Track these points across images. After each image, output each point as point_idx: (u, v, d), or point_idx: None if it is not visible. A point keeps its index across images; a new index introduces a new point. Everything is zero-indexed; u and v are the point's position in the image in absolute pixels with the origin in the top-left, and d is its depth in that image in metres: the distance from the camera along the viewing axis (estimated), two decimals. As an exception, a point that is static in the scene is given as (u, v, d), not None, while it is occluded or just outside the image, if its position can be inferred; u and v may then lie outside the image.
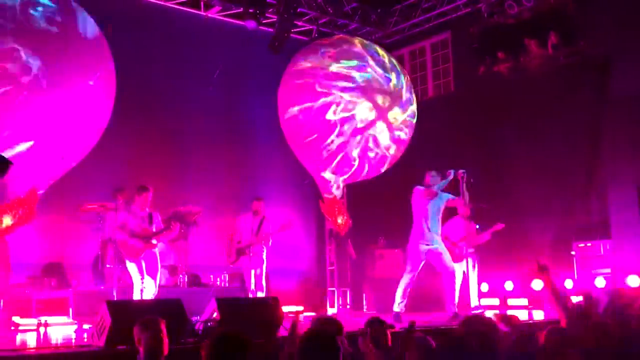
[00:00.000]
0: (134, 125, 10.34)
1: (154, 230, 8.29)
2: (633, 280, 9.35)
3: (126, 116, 9.51)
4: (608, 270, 9.88)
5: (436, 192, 8.62)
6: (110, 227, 8.84)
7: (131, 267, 8.15)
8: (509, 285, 10.87)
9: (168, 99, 10.95)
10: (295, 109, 10.21)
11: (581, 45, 10.75)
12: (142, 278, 8.12)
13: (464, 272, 9.37)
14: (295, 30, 12.13)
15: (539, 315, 9.37)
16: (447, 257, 8.63)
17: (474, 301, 9.42)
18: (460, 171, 8.64)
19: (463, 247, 9.31)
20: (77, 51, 7.83)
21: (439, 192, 8.69)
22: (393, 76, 10.32)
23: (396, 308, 8.47)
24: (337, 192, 10.38)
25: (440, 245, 8.67)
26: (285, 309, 7.49)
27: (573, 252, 10.32)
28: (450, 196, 8.84)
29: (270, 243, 9.65)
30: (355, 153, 10.09)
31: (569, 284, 10.01)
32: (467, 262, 9.43)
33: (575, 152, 10.86)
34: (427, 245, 8.60)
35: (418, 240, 8.63)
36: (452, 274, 8.63)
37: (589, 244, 10.24)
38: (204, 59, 11.45)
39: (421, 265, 8.62)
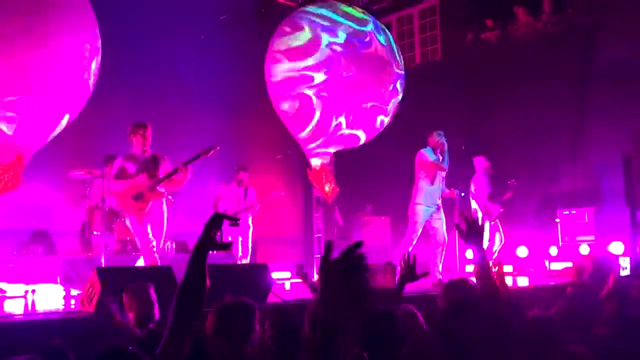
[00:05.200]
0: (119, 92, 10.21)
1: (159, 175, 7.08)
2: (616, 248, 9.49)
3: (112, 82, 9.39)
4: (592, 238, 10.01)
5: (444, 168, 8.71)
6: (97, 194, 8.71)
7: (133, 224, 7.05)
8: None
9: (154, 64, 10.82)
10: (281, 75, 10.14)
11: (569, 13, 10.78)
12: (147, 237, 6.89)
13: (492, 225, 9.79)
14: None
15: (523, 281, 9.49)
16: (443, 224, 8.74)
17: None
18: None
19: (495, 203, 9.80)
20: (59, 11, 7.66)
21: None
22: (380, 39, 10.25)
23: None
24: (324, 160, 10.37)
25: (440, 211, 8.77)
26: (273, 275, 7.52)
27: (557, 220, 10.44)
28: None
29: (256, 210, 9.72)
30: (342, 119, 10.05)
31: (553, 250, 10.12)
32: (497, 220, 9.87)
33: (561, 120, 10.92)
34: (428, 207, 8.69)
35: (419, 201, 8.72)
36: (443, 242, 8.74)
37: (573, 211, 10.35)
38: (190, 25, 11.31)
39: (420, 227, 8.69)
